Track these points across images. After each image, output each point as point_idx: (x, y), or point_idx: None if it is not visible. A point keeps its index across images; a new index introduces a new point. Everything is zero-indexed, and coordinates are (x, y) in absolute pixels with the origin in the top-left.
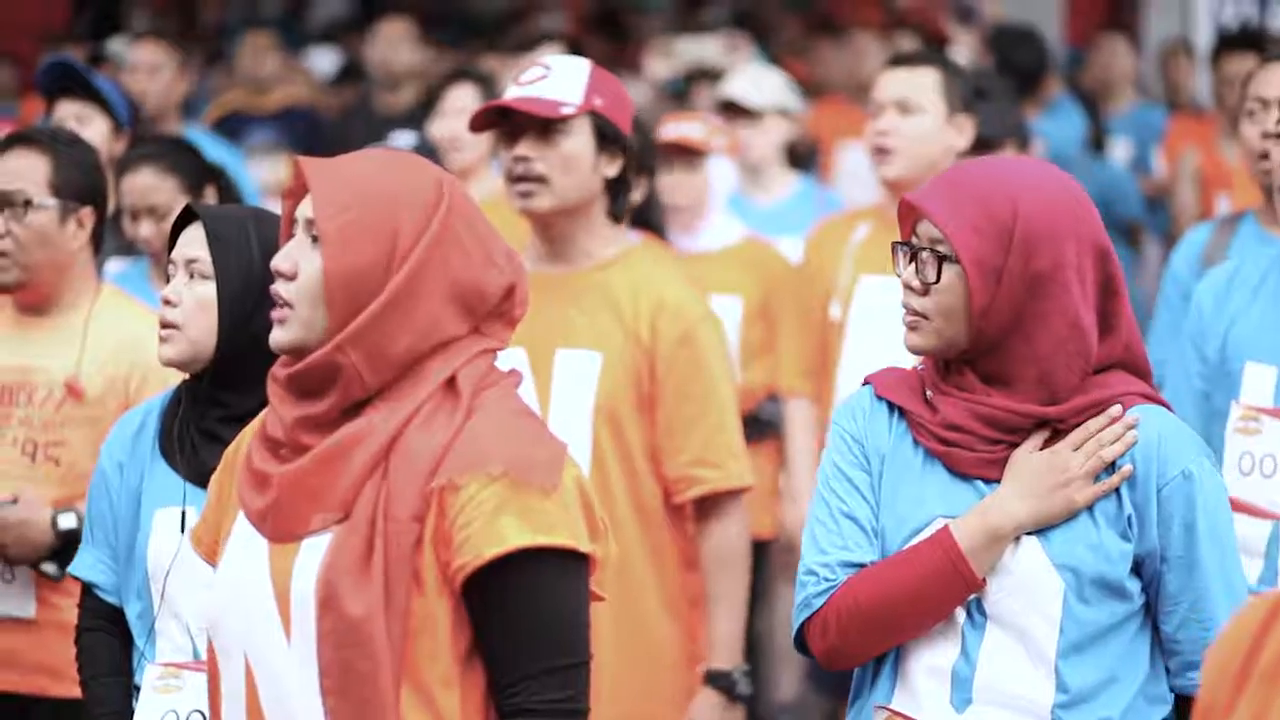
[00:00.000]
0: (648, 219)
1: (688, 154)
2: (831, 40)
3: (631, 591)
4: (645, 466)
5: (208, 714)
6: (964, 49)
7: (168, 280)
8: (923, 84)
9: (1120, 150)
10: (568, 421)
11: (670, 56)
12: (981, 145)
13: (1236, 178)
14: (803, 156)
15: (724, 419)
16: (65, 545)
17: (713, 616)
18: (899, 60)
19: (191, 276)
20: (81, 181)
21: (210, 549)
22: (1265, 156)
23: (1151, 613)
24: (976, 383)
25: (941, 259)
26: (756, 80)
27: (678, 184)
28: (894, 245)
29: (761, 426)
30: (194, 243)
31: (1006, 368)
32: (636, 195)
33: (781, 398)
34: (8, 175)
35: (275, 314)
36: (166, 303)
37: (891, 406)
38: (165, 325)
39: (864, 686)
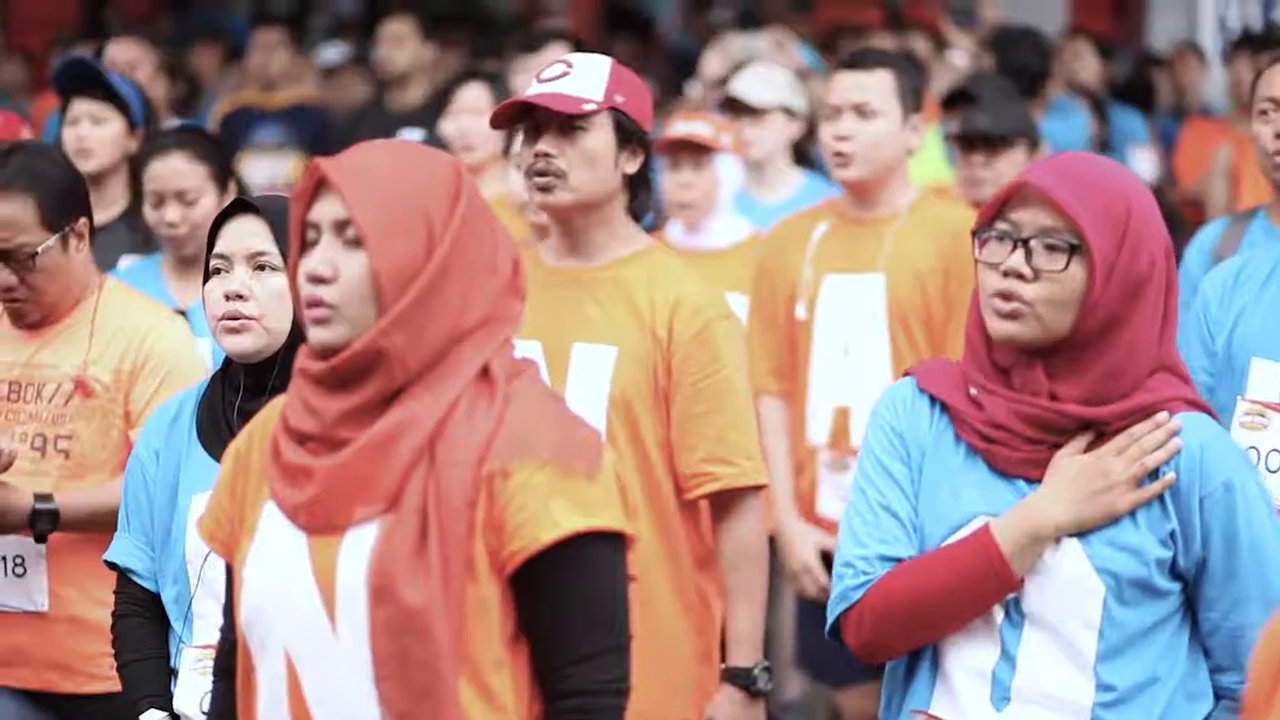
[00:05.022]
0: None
1: (696, 151)
2: (851, 40)
3: (644, 585)
4: (660, 461)
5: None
6: (962, 52)
7: (207, 273)
8: (879, 87)
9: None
10: (582, 415)
11: (725, 55)
12: (994, 144)
13: (1245, 174)
14: (810, 154)
15: (739, 416)
16: (39, 525)
17: (731, 613)
18: (852, 62)
19: (260, 269)
20: (68, 199)
21: (226, 544)
22: (1277, 155)
23: (1191, 610)
24: (1043, 378)
25: (1073, 249)
26: (760, 77)
27: (686, 182)
28: (982, 230)
29: None
30: (256, 236)
31: (1082, 365)
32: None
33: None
34: (1, 229)
35: (314, 314)
36: (238, 297)
37: (933, 400)
38: (240, 318)
39: (896, 686)
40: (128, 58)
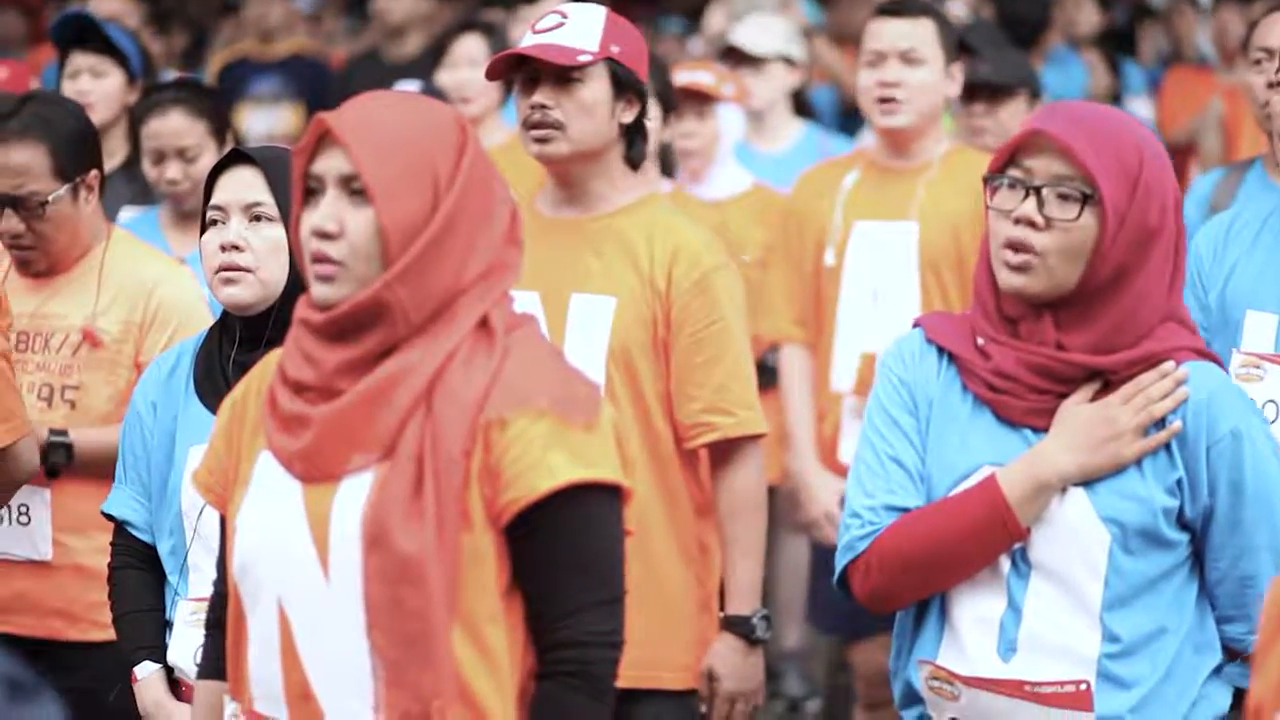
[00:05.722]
0: (666, 162)
1: (698, 100)
2: None
3: (643, 535)
4: (659, 412)
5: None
6: (961, 3)
7: (204, 225)
8: (924, 35)
9: None
10: (581, 365)
11: (729, 9)
12: (995, 93)
13: (1241, 125)
14: (810, 104)
15: (738, 366)
16: (53, 457)
17: (730, 562)
18: (896, 10)
19: (256, 220)
20: (81, 150)
21: (220, 496)
22: (1269, 104)
23: (1199, 561)
24: (1051, 328)
25: (1085, 198)
26: (761, 27)
27: (688, 131)
28: (994, 177)
29: (769, 374)
30: (251, 187)
31: (1090, 316)
32: (669, 136)
33: (776, 345)
34: (13, 176)
35: (321, 270)
36: (234, 248)
37: (941, 351)
38: (235, 269)
39: (905, 636)
40: (111, 10)
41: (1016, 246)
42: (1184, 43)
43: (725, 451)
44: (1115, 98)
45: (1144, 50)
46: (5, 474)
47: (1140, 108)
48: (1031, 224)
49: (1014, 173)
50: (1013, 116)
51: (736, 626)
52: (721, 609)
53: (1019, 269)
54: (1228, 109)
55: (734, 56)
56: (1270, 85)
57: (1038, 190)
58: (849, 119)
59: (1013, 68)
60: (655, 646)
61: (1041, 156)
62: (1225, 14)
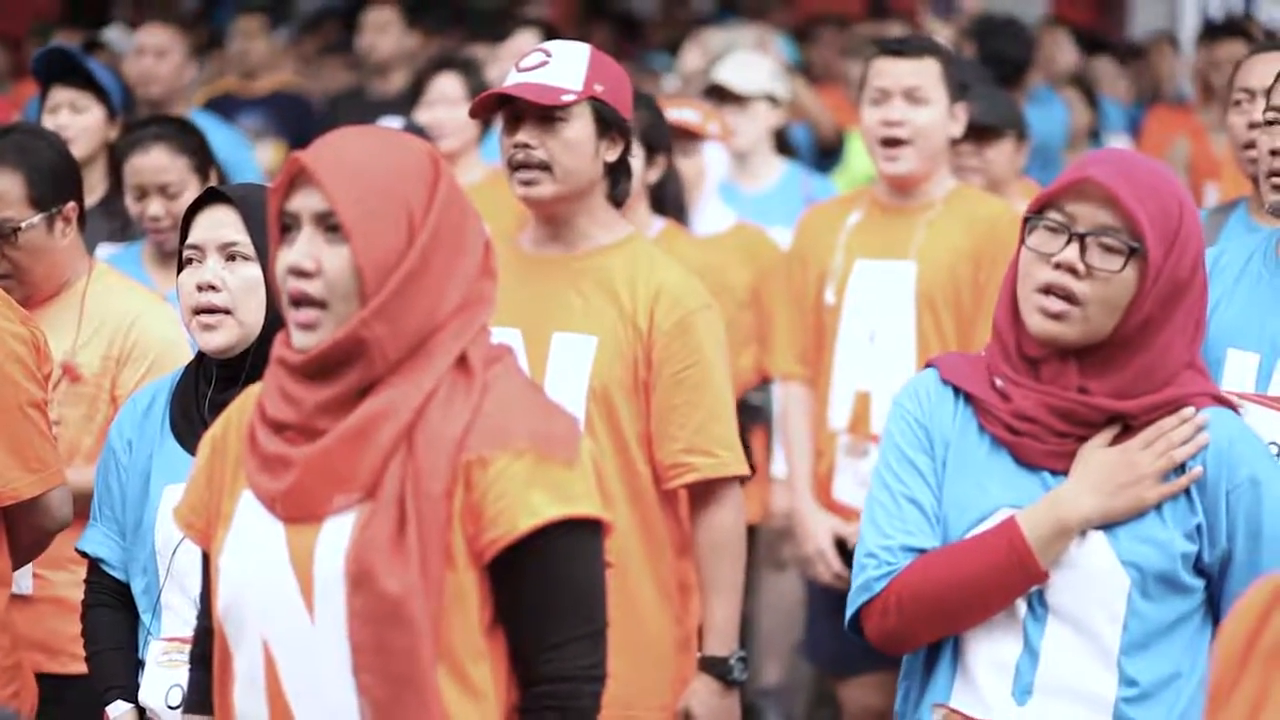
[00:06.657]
0: (664, 201)
1: (683, 138)
2: (834, 32)
3: (623, 574)
4: (638, 451)
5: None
6: (943, 41)
7: (180, 263)
8: (929, 74)
9: None
10: (561, 404)
11: (704, 49)
12: (982, 134)
13: (1224, 167)
14: (791, 142)
15: (718, 407)
16: None
17: (708, 603)
18: (900, 49)
19: (231, 259)
20: (58, 181)
21: (203, 533)
22: (1251, 146)
23: (1213, 606)
24: (1075, 373)
25: (1131, 252)
26: (746, 66)
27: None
28: (1033, 217)
29: (750, 412)
30: (227, 226)
31: (1116, 363)
32: (653, 175)
33: (777, 382)
34: None
35: (301, 316)
36: (211, 288)
37: (957, 392)
38: (212, 311)
39: (915, 679)
40: (158, 43)
41: (1056, 292)
42: (1165, 83)
43: (705, 492)
44: (1094, 135)
45: (1123, 88)
46: (39, 525)
47: (1118, 146)
48: (1073, 271)
49: (1056, 216)
50: (1000, 156)
51: (713, 667)
52: (700, 649)
53: (1057, 316)
54: (1193, 148)
55: (718, 95)
56: (1252, 126)
57: (1081, 237)
58: (825, 157)
59: (1000, 108)
60: (634, 685)
61: (1086, 203)
62: (1201, 53)
